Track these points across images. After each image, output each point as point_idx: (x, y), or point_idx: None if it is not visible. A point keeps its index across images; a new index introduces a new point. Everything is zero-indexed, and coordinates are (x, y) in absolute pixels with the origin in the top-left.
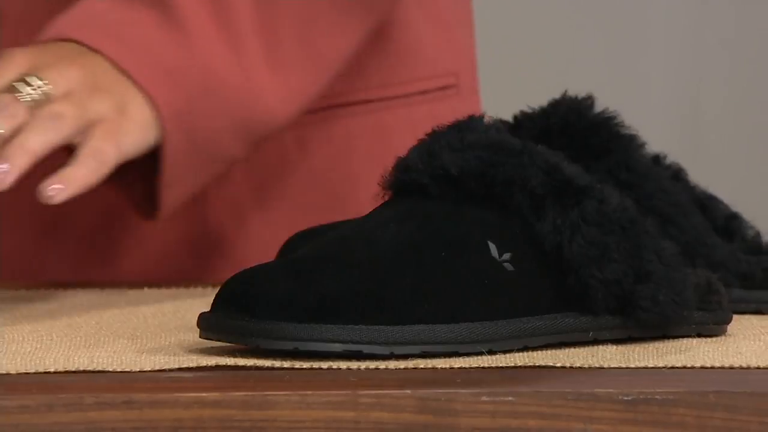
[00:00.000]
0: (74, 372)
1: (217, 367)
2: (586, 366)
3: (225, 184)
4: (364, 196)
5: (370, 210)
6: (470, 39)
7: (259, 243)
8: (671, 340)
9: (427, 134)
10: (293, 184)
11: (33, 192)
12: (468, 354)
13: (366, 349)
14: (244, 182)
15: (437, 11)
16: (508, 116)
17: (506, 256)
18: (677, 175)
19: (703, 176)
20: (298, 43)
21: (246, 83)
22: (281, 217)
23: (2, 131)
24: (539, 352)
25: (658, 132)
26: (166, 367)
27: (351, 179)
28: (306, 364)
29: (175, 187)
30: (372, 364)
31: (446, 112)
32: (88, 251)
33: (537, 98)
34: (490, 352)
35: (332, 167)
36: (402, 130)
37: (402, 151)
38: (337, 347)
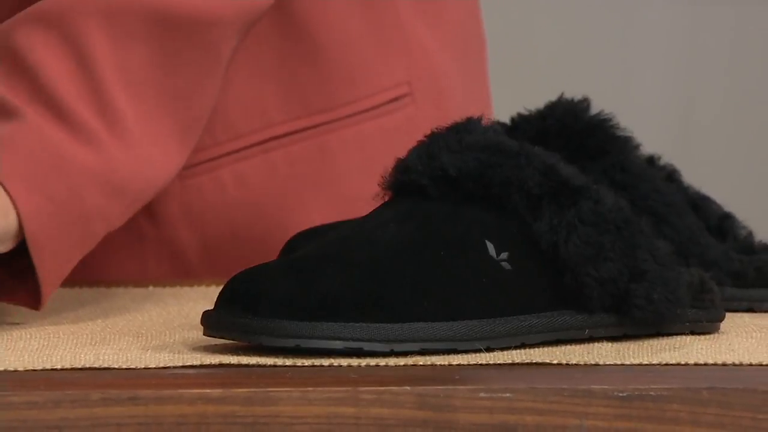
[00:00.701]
0: (80, 369)
1: (221, 365)
2: (581, 363)
3: (162, 228)
4: (311, 221)
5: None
6: (433, 41)
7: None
8: (665, 337)
9: (426, 136)
10: (235, 221)
11: None
12: (466, 351)
13: (366, 346)
14: (183, 227)
15: (390, 19)
16: (505, 117)
17: (504, 255)
18: (671, 176)
19: (696, 177)
20: (169, 115)
21: (108, 163)
22: (228, 262)
23: None
24: (536, 349)
25: (652, 134)
26: (171, 364)
27: (296, 208)
28: (308, 362)
29: (52, 261)
30: (372, 361)
31: (399, 124)
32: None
33: (534, 100)
34: (488, 350)
35: (274, 198)
36: (349, 150)
37: (348, 172)
38: (338, 344)
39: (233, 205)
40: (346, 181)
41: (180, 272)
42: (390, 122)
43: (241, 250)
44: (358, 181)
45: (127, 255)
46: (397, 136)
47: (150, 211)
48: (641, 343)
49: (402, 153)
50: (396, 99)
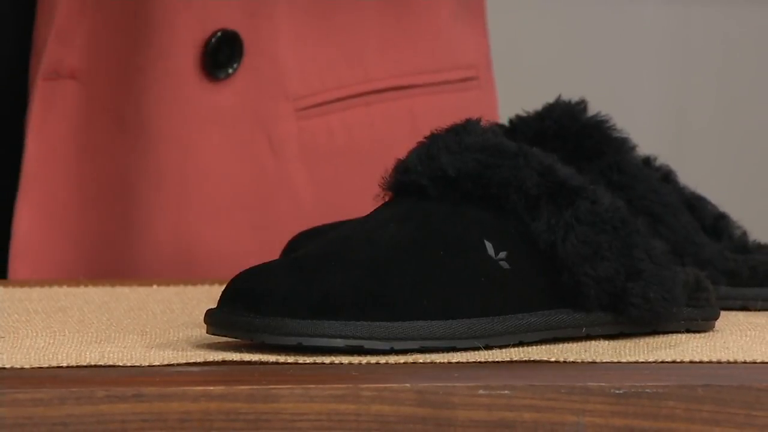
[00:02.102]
0: (86, 366)
1: (224, 362)
2: (579, 360)
3: (280, 166)
4: None
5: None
6: (486, 35)
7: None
8: (661, 335)
9: (425, 137)
10: (342, 166)
11: (51, 192)
12: (465, 349)
13: (367, 344)
14: (301, 166)
15: (456, 5)
16: (503, 119)
17: (502, 254)
18: (667, 176)
19: (691, 178)
20: None
21: None
22: (335, 199)
23: None
24: (534, 347)
25: (647, 135)
26: (175, 361)
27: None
28: (309, 359)
29: None
30: (373, 359)
31: (470, 103)
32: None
33: (532, 102)
34: (487, 348)
35: (374, 151)
36: (431, 117)
37: None
38: (340, 342)
39: (340, 151)
40: None
41: (295, 215)
42: (463, 99)
43: (348, 197)
44: None
45: (253, 191)
46: (467, 114)
47: (274, 149)
48: (637, 341)
49: None
50: (466, 80)
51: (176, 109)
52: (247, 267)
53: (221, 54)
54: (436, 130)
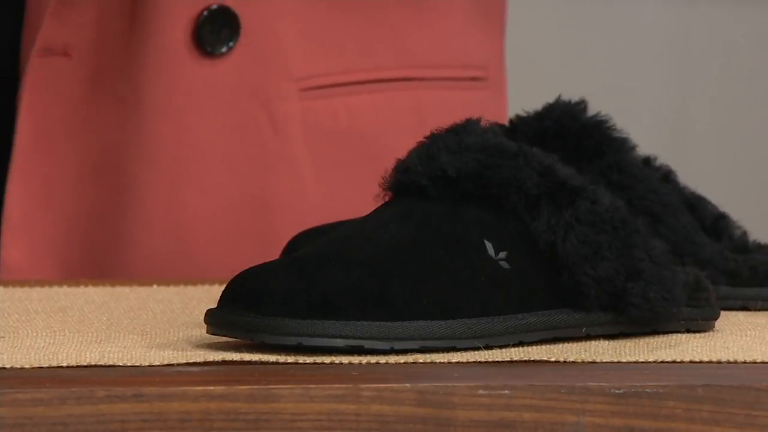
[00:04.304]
0: (86, 366)
1: (224, 362)
2: (579, 360)
3: (281, 144)
4: None
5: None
6: (502, 40)
7: (318, 208)
8: (661, 335)
9: (425, 137)
10: (345, 148)
11: (46, 196)
12: (465, 349)
13: (367, 344)
14: (303, 147)
15: (473, 7)
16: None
17: (502, 254)
18: (667, 176)
19: (691, 178)
20: None
21: None
22: (336, 179)
23: None
24: (534, 347)
25: (647, 135)
26: (175, 361)
27: (392, 152)
28: (309, 359)
29: None
30: (373, 359)
31: (477, 102)
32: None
33: (531, 102)
34: (487, 347)
35: (378, 138)
36: (437, 111)
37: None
38: (340, 342)
39: (343, 133)
40: None
41: (297, 192)
42: (470, 98)
43: (350, 178)
44: None
45: (251, 168)
46: (473, 112)
47: (275, 127)
48: (637, 341)
49: None
50: (474, 79)
51: (170, 84)
52: (243, 245)
53: (215, 30)
54: (437, 129)
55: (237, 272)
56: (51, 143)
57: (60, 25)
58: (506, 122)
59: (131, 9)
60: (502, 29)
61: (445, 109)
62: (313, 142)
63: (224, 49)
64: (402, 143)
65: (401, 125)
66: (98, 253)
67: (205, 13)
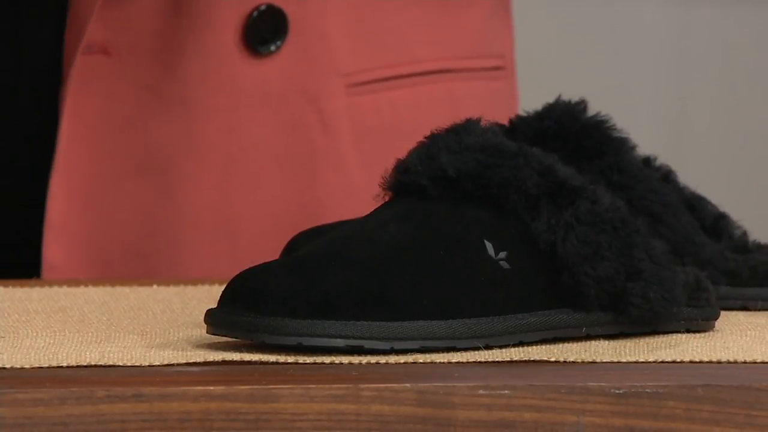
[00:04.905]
0: (86, 366)
1: (224, 362)
2: (579, 360)
3: (330, 142)
4: None
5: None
6: (512, 28)
7: (366, 206)
8: (661, 335)
9: (426, 137)
10: (388, 144)
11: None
12: (465, 349)
13: (367, 344)
14: (350, 142)
15: None
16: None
17: (502, 254)
18: (667, 176)
19: (691, 178)
20: None
21: None
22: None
23: None
24: (534, 347)
25: (647, 135)
26: (175, 361)
27: None
28: (309, 359)
29: None
30: (373, 359)
31: (500, 91)
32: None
33: (531, 102)
34: (487, 347)
35: (418, 132)
36: (470, 102)
37: None
38: (340, 342)
39: (387, 130)
40: None
41: (346, 189)
42: (494, 88)
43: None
44: None
45: (300, 166)
46: (499, 102)
47: (324, 125)
48: (637, 341)
49: (503, 119)
50: (495, 68)
51: (219, 84)
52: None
53: (264, 29)
54: (438, 130)
55: None
56: (94, 142)
57: (104, 25)
58: (518, 111)
59: (178, 8)
60: (512, 18)
61: (476, 100)
62: (359, 138)
63: (273, 48)
64: None
65: (438, 118)
66: (143, 253)
67: (255, 13)
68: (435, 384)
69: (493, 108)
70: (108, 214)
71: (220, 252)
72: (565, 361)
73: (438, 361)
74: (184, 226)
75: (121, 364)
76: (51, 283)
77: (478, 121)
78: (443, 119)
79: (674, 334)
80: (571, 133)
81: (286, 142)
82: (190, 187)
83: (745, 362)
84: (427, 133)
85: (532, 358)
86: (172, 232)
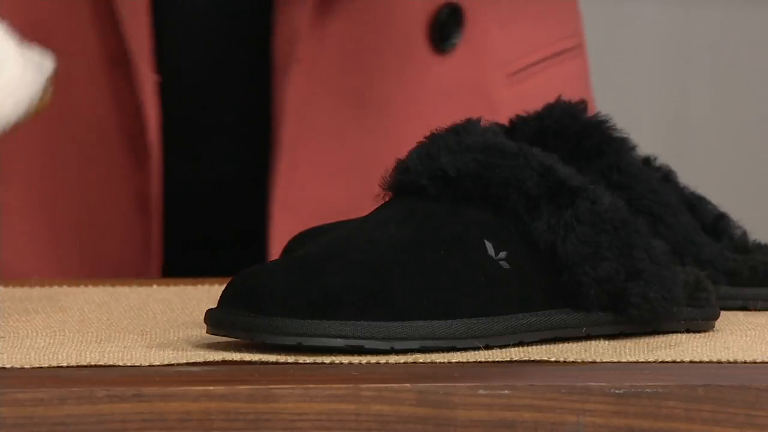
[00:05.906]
0: (86, 366)
1: (224, 362)
2: (579, 360)
3: None
4: None
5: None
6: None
7: None
8: (661, 335)
9: (425, 137)
10: None
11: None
12: (465, 349)
13: (367, 344)
14: None
15: None
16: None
17: (502, 254)
18: (667, 176)
19: (691, 178)
20: None
21: None
22: None
23: None
24: (534, 347)
25: (647, 135)
26: (175, 361)
27: None
28: (309, 359)
29: None
30: (373, 359)
31: (585, 68)
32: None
33: None
34: (487, 347)
35: None
36: (576, 81)
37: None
38: (340, 342)
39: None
40: None
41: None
42: (581, 65)
43: None
44: None
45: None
46: (586, 79)
47: (495, 116)
48: (637, 341)
49: (589, 96)
50: (575, 47)
51: (412, 84)
52: None
53: (445, 26)
54: (443, 130)
55: None
56: (301, 152)
57: (311, 35)
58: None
59: (367, 13)
60: None
61: (580, 80)
62: None
63: (454, 44)
64: None
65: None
66: None
67: (442, 13)
68: (435, 384)
69: (584, 85)
70: (312, 219)
71: None
72: (565, 361)
73: (438, 361)
74: None
75: (121, 364)
76: (51, 283)
77: (478, 120)
78: (574, 98)
79: (674, 334)
80: (571, 134)
81: None
82: None
83: (745, 362)
84: None
85: (532, 358)
86: None
